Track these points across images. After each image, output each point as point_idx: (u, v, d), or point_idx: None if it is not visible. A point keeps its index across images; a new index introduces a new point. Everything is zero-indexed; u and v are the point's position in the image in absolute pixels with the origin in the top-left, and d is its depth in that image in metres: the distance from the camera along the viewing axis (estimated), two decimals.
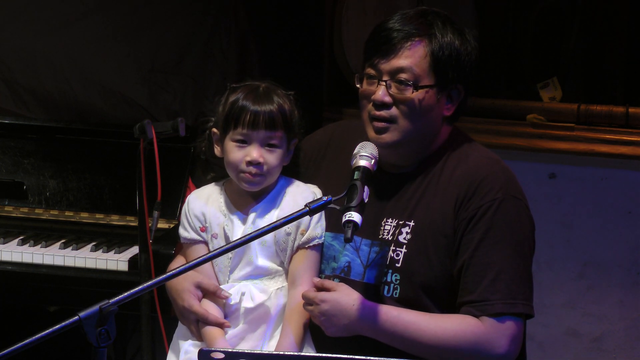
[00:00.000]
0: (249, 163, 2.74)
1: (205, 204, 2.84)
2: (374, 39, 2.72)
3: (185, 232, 2.86)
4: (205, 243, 2.84)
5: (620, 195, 4.11)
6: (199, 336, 2.79)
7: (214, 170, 2.92)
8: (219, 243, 2.81)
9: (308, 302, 2.69)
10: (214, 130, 2.84)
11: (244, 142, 2.75)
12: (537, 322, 4.15)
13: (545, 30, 4.28)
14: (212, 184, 2.91)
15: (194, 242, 2.84)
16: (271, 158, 2.76)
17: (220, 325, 2.75)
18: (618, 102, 4.13)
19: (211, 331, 2.75)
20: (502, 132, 4.16)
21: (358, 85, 2.75)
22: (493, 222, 2.65)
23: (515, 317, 2.65)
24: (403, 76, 2.66)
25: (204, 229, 2.83)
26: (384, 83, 2.68)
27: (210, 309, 2.77)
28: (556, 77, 4.17)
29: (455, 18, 2.77)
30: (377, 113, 2.69)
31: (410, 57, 2.67)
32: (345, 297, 2.66)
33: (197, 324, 2.79)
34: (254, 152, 2.74)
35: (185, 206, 2.88)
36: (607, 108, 4.09)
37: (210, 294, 2.79)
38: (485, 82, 4.26)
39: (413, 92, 2.66)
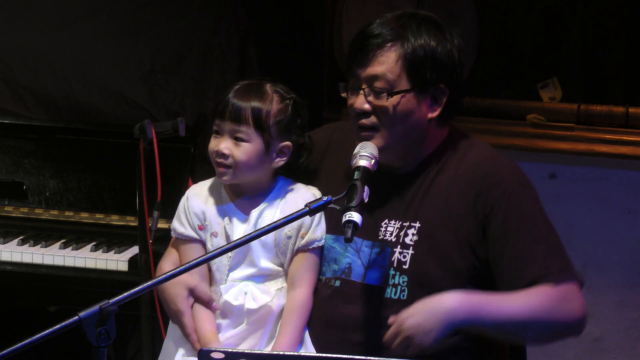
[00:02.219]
0: (216, 153, 2.76)
1: (205, 202, 2.83)
2: (352, 47, 2.72)
3: (181, 227, 2.83)
4: (201, 242, 2.83)
5: (620, 195, 4.11)
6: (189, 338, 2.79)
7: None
8: (218, 242, 2.80)
9: (393, 337, 2.60)
10: None
11: (217, 132, 2.78)
12: None
13: (545, 30, 4.28)
14: (211, 180, 2.91)
15: (190, 239, 2.83)
16: (237, 152, 2.75)
17: (203, 344, 2.73)
18: (618, 102, 4.13)
19: (205, 337, 2.75)
20: (502, 132, 4.16)
21: (343, 94, 2.76)
22: (523, 204, 2.68)
23: (576, 283, 2.69)
24: (377, 84, 2.66)
25: (202, 227, 2.82)
26: (362, 91, 2.68)
27: (201, 314, 2.77)
28: (556, 77, 4.17)
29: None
30: (360, 122, 2.70)
31: (383, 64, 2.65)
32: (427, 300, 2.62)
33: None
34: (221, 143, 2.76)
35: (184, 201, 2.86)
36: (607, 108, 4.09)
37: (202, 302, 2.78)
38: (485, 82, 4.26)
39: (388, 99, 2.65)
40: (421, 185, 2.74)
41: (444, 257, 2.68)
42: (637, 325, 4.16)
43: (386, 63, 2.65)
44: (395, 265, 2.71)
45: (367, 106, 2.68)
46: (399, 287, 2.71)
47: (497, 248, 2.67)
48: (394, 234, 2.73)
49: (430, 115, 2.70)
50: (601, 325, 4.19)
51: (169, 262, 2.89)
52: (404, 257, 2.71)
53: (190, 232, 2.82)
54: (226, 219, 2.81)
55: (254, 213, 2.80)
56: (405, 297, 2.70)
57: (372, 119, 2.68)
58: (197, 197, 2.85)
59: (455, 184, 2.71)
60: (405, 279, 2.70)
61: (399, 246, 2.72)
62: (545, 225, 2.71)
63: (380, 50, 2.65)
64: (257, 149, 2.77)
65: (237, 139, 2.75)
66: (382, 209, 2.76)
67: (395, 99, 2.66)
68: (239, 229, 2.79)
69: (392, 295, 2.72)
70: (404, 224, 2.73)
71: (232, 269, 2.80)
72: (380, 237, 2.75)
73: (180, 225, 2.84)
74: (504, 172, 2.71)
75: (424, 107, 2.69)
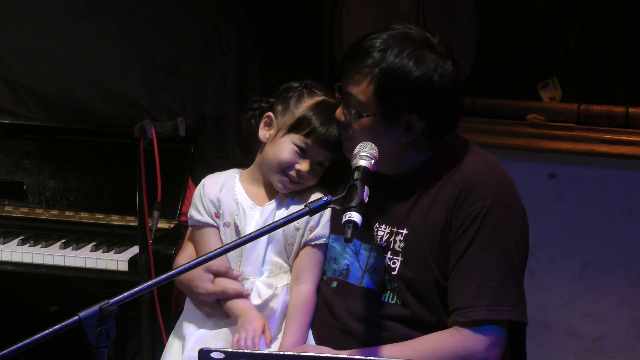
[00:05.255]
0: (297, 172, 2.78)
1: (220, 190, 2.87)
2: (343, 57, 2.73)
3: (198, 215, 2.87)
4: (217, 228, 2.85)
5: (620, 195, 4.11)
6: (226, 315, 2.80)
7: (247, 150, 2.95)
8: (230, 232, 2.83)
9: None
10: (270, 114, 2.85)
11: (303, 151, 2.78)
12: (537, 322, 4.16)
13: (545, 30, 4.28)
14: (226, 172, 2.94)
15: (206, 225, 2.86)
16: (314, 177, 2.82)
17: (240, 295, 2.76)
18: (618, 102, 4.13)
19: (238, 304, 2.76)
20: (502, 132, 4.16)
21: (337, 95, 2.77)
22: (480, 230, 2.64)
23: (499, 324, 2.64)
24: (350, 102, 2.67)
25: (218, 215, 2.85)
26: (342, 104, 2.71)
27: (227, 283, 2.79)
28: (556, 77, 4.17)
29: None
30: (340, 130, 2.75)
31: (358, 85, 2.66)
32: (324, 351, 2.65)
33: (219, 304, 2.80)
34: (307, 165, 2.78)
35: (200, 189, 2.89)
36: (607, 108, 4.09)
37: (221, 275, 2.80)
38: (485, 82, 4.26)
39: (356, 120, 2.67)
40: (414, 192, 2.74)
41: (427, 265, 2.68)
42: (637, 325, 4.16)
43: (360, 85, 2.65)
44: (387, 270, 2.72)
45: (342, 117, 2.72)
46: (396, 292, 2.72)
47: (452, 262, 2.66)
48: (384, 239, 2.74)
49: (404, 140, 2.69)
50: (601, 325, 4.19)
51: (184, 257, 2.92)
52: (394, 263, 2.72)
53: (207, 219, 2.86)
54: (237, 208, 2.83)
55: (266, 208, 2.81)
56: (400, 302, 2.71)
57: (348, 131, 2.71)
58: (213, 185, 2.89)
59: (441, 195, 2.70)
60: (396, 285, 2.71)
61: (389, 252, 2.73)
62: (495, 259, 2.64)
63: (358, 72, 2.65)
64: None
65: (320, 165, 2.81)
66: (376, 213, 2.76)
67: (363, 121, 2.66)
68: (250, 221, 2.81)
69: (390, 300, 2.73)
70: (393, 229, 2.74)
71: (245, 261, 2.82)
72: (376, 242, 2.75)
73: (196, 212, 2.87)
74: (488, 190, 2.66)
75: (395, 132, 2.67)
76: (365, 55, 2.64)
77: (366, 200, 2.51)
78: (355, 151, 2.64)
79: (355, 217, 2.45)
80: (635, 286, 4.15)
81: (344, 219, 2.45)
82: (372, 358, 2.09)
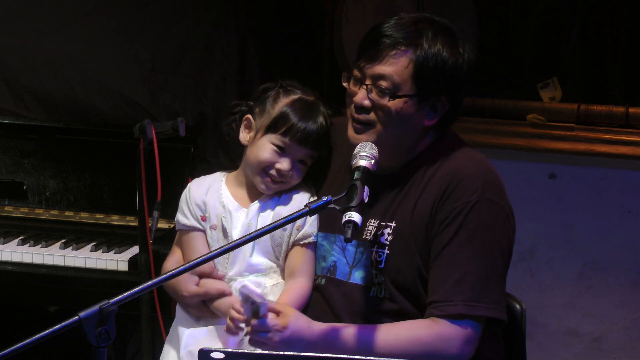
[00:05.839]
0: (278, 171, 2.77)
1: (206, 193, 2.86)
2: (365, 42, 2.72)
3: (184, 219, 2.87)
4: (204, 232, 2.85)
5: (620, 195, 4.11)
6: (213, 317, 2.79)
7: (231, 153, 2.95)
8: (217, 235, 2.83)
9: (264, 330, 2.61)
10: (249, 116, 2.86)
11: (282, 149, 2.78)
12: (537, 322, 4.16)
13: (545, 30, 4.28)
14: (212, 175, 2.94)
15: (193, 229, 2.85)
16: (297, 175, 2.81)
17: (223, 294, 2.76)
18: (618, 102, 4.13)
19: (224, 302, 2.76)
20: (502, 132, 4.16)
21: (345, 84, 2.76)
22: (463, 224, 2.64)
23: (475, 319, 2.64)
24: (383, 84, 2.66)
25: (204, 219, 2.85)
26: (365, 87, 2.69)
27: (210, 283, 2.78)
28: (556, 77, 4.17)
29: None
30: (356, 116, 2.71)
31: (393, 66, 2.65)
32: (301, 321, 2.65)
33: (206, 306, 2.80)
34: (287, 164, 2.78)
35: (186, 193, 2.89)
36: (607, 108, 4.09)
37: (205, 276, 2.80)
38: (485, 82, 4.26)
39: (389, 100, 2.65)
40: (403, 186, 2.75)
41: (412, 258, 2.69)
42: (637, 325, 4.16)
43: (396, 65, 2.65)
44: (374, 264, 2.73)
45: (367, 102, 2.69)
46: (382, 286, 2.72)
47: (434, 254, 2.67)
48: (372, 233, 2.74)
49: (426, 123, 2.71)
50: (601, 325, 4.19)
51: (171, 262, 2.91)
52: (380, 256, 2.72)
53: (193, 222, 2.85)
54: (224, 211, 2.82)
55: (252, 209, 2.81)
56: (388, 296, 2.72)
57: (370, 116, 2.69)
58: (199, 189, 2.88)
59: (430, 187, 2.70)
60: (382, 279, 2.71)
61: (375, 246, 2.73)
62: (476, 254, 2.64)
63: (392, 51, 2.65)
64: (307, 168, 2.85)
65: (301, 162, 2.81)
66: (368, 209, 2.75)
67: (397, 101, 2.66)
68: (237, 223, 2.81)
69: (378, 294, 2.73)
70: (382, 223, 2.74)
71: (231, 263, 2.81)
72: (364, 237, 2.76)
73: (183, 217, 2.87)
74: (465, 189, 2.67)
75: (422, 114, 2.69)
76: (399, 37, 2.65)
77: (366, 201, 2.51)
78: (355, 151, 2.64)
79: (355, 217, 2.45)
80: (635, 286, 4.15)
81: (344, 219, 2.45)
82: (370, 358, 2.09)
